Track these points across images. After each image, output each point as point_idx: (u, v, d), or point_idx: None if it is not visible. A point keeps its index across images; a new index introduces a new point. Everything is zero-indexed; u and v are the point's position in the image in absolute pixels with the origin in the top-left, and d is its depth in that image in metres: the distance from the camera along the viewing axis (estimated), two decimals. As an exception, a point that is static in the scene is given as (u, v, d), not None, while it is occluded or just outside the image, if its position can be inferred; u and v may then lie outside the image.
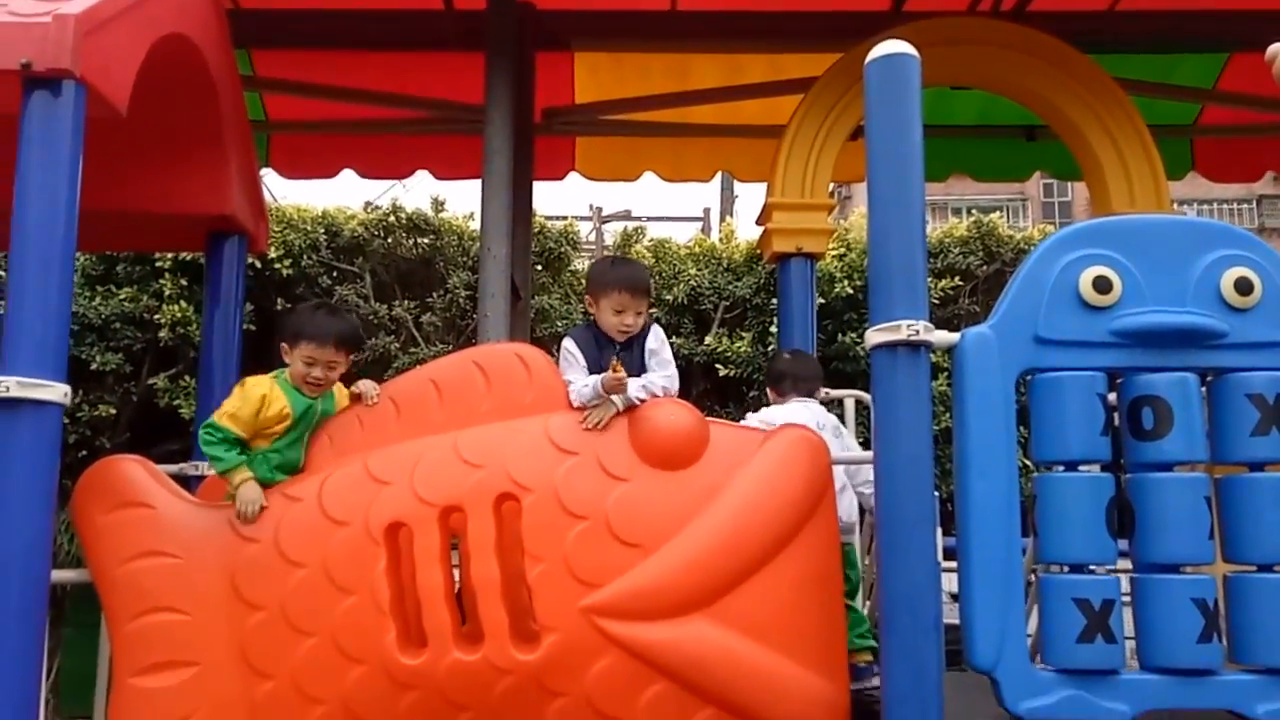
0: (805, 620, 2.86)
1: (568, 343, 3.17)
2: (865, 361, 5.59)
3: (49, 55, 2.69)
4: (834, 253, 8.57)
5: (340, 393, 3.19)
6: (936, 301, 8.38)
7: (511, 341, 4.69)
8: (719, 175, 7.35)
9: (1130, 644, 2.70)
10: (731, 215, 18.64)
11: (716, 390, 8.59)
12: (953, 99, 6.00)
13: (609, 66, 6.15)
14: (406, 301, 8.39)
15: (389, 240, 8.67)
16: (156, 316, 7.64)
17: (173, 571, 2.89)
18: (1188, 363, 2.76)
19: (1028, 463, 3.02)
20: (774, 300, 7.22)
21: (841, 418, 5.04)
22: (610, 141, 6.68)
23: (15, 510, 2.62)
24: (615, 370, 2.95)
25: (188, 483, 3.23)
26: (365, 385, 3.15)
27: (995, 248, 9.00)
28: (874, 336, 2.71)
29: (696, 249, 9.32)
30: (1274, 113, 5.99)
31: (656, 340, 3.17)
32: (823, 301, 8.05)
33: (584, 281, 5.80)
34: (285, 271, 8.12)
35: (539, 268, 8.68)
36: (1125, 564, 2.78)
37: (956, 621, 2.70)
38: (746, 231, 9.51)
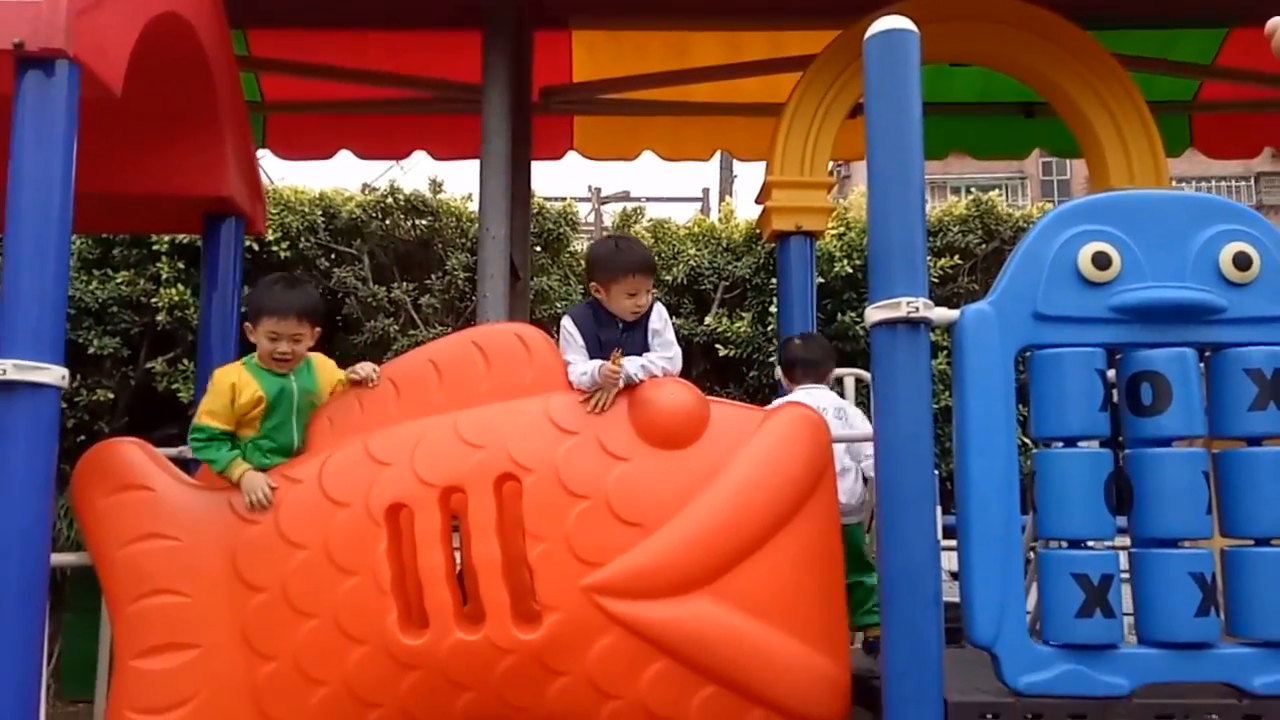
0: (806, 598, 2.88)
1: (566, 322, 3.16)
2: (865, 340, 5.60)
3: (42, 35, 2.66)
4: (833, 231, 8.54)
5: (322, 365, 3.16)
6: (936, 280, 8.35)
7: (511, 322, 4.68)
8: (718, 155, 7.33)
9: (1129, 619, 2.71)
10: (731, 195, 18.60)
11: (716, 370, 8.58)
12: (951, 76, 5.97)
13: (607, 45, 6.11)
14: (405, 283, 8.35)
15: (387, 222, 8.63)
16: (154, 300, 7.60)
17: (173, 554, 2.90)
18: (1186, 338, 2.76)
19: (1027, 440, 3.02)
20: (774, 280, 7.20)
21: (841, 395, 5.03)
22: (609, 120, 6.65)
23: (14, 494, 2.62)
24: (615, 362, 2.94)
25: (187, 466, 3.22)
26: (365, 367, 3.13)
27: (994, 226, 8.96)
28: (874, 314, 2.71)
29: (696, 229, 9.28)
30: (1273, 88, 5.94)
31: (660, 320, 3.17)
32: (822, 281, 8.02)
33: (584, 263, 5.77)
34: (283, 254, 8.08)
35: (538, 249, 8.64)
36: (1124, 539, 2.79)
37: (956, 599, 2.72)
38: (746, 211, 9.49)
